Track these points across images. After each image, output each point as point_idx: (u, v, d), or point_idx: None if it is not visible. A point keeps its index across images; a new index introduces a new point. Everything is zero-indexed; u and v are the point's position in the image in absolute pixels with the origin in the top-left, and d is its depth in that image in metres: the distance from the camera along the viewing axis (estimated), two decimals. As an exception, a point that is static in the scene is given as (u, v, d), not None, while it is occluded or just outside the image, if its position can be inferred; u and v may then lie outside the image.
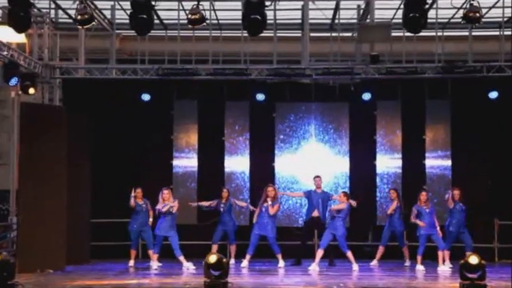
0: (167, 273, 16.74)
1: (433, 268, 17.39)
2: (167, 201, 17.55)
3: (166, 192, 17.68)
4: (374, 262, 18.48)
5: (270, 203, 17.88)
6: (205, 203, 18.84)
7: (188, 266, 17.40)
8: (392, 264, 18.36)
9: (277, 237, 18.22)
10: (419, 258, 17.54)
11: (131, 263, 18.15)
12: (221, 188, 19.07)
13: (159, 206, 17.58)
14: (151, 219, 18.05)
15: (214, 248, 18.16)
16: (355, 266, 17.37)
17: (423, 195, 17.68)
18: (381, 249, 18.66)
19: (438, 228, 17.64)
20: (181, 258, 17.58)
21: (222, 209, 18.65)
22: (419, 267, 17.41)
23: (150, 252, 18.00)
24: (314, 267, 17.45)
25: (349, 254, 17.50)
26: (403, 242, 18.69)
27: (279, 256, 18.04)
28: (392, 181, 20.32)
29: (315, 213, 18.48)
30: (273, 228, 17.99)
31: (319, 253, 17.64)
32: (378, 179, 20.52)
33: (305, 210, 19.22)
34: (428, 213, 17.54)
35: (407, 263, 18.38)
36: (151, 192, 18.18)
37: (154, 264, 17.64)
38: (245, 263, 17.93)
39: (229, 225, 18.71)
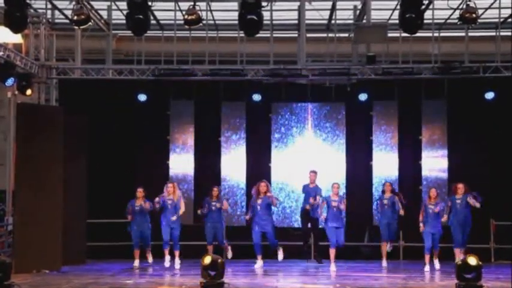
0: (163, 273, 16.73)
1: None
2: (172, 195, 17.64)
3: (170, 186, 17.76)
4: (384, 263, 18.35)
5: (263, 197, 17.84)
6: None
7: (177, 263, 17.53)
8: (388, 264, 18.34)
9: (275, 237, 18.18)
10: (426, 257, 17.37)
11: (136, 263, 18.09)
12: (211, 187, 18.68)
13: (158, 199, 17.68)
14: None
15: (211, 248, 18.09)
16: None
17: (432, 192, 17.59)
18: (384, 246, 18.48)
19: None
20: (177, 252, 17.66)
21: (213, 208, 18.32)
22: (428, 267, 17.27)
23: (148, 251, 18.16)
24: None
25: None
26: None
27: (277, 249, 17.98)
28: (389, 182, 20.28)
29: (308, 207, 18.56)
30: (272, 223, 18.07)
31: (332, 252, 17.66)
32: (374, 180, 20.53)
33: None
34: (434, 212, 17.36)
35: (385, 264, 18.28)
36: (147, 192, 18.17)
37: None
38: (259, 263, 17.86)
39: (218, 226, 18.39)
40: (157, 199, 17.77)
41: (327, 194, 18.14)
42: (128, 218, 18.11)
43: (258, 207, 17.83)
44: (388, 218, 18.30)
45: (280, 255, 17.97)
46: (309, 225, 18.88)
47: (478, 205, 17.58)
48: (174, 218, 17.68)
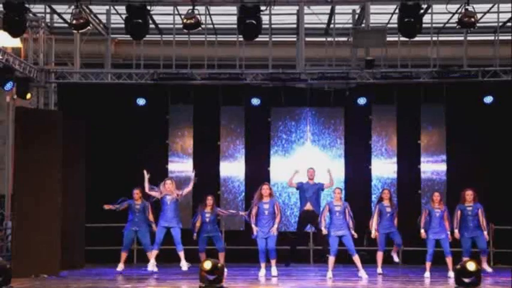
0: (162, 278, 16.70)
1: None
2: (170, 192, 16.84)
3: (169, 183, 16.96)
4: (379, 270, 17.73)
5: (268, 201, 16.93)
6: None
7: (183, 265, 16.81)
8: (386, 269, 18.28)
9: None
10: (428, 264, 16.91)
11: (120, 267, 17.58)
12: (204, 196, 17.75)
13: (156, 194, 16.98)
14: (154, 227, 17.31)
15: (203, 256, 17.51)
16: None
17: (435, 196, 17.08)
18: (379, 255, 17.82)
19: (448, 233, 16.92)
20: (181, 253, 16.91)
21: (207, 219, 17.45)
22: (427, 275, 16.83)
23: (148, 253, 17.30)
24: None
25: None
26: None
27: (274, 262, 17.11)
28: (387, 186, 20.29)
29: (308, 207, 17.76)
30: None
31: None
32: (373, 184, 20.54)
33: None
34: (439, 217, 16.92)
35: (396, 259, 17.80)
36: (146, 195, 18.11)
37: (151, 265, 16.92)
38: (263, 271, 17.01)
39: (215, 235, 17.60)
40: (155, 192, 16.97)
41: (328, 200, 17.82)
42: (112, 205, 17.42)
43: (266, 211, 16.97)
44: (387, 228, 17.54)
45: (275, 270, 17.02)
46: (311, 229, 18.71)
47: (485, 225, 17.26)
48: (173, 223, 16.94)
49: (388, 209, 17.59)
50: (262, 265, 17.04)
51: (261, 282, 16.15)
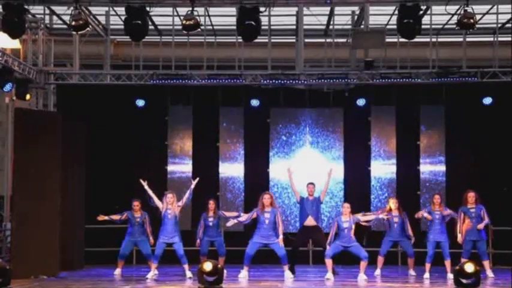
0: (162, 279, 16.69)
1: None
2: (171, 205, 16.79)
3: (170, 196, 16.83)
4: (377, 272, 17.62)
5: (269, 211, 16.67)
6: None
7: (189, 275, 16.67)
8: (385, 270, 18.27)
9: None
10: (427, 266, 16.86)
11: (117, 271, 17.59)
12: (206, 200, 17.67)
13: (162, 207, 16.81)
14: (151, 240, 17.41)
15: (204, 259, 17.33)
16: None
17: (436, 198, 16.99)
18: (380, 259, 17.66)
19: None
20: (186, 266, 16.85)
21: (210, 223, 17.42)
22: (426, 276, 16.79)
23: (149, 262, 17.24)
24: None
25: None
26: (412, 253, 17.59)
27: (286, 267, 16.84)
28: (386, 187, 20.32)
29: (309, 222, 17.40)
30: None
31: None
32: (372, 185, 20.54)
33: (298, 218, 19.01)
34: (439, 219, 16.86)
35: (413, 273, 17.54)
36: (145, 198, 18.11)
37: (152, 272, 16.86)
38: (244, 273, 16.84)
39: (217, 239, 17.64)
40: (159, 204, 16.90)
41: (337, 214, 17.67)
42: (108, 217, 17.42)
43: (266, 221, 16.67)
44: (396, 236, 17.36)
45: (288, 275, 16.72)
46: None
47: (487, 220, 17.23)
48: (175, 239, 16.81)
49: (396, 219, 17.33)
50: (246, 268, 16.89)
51: (261, 282, 16.14)
